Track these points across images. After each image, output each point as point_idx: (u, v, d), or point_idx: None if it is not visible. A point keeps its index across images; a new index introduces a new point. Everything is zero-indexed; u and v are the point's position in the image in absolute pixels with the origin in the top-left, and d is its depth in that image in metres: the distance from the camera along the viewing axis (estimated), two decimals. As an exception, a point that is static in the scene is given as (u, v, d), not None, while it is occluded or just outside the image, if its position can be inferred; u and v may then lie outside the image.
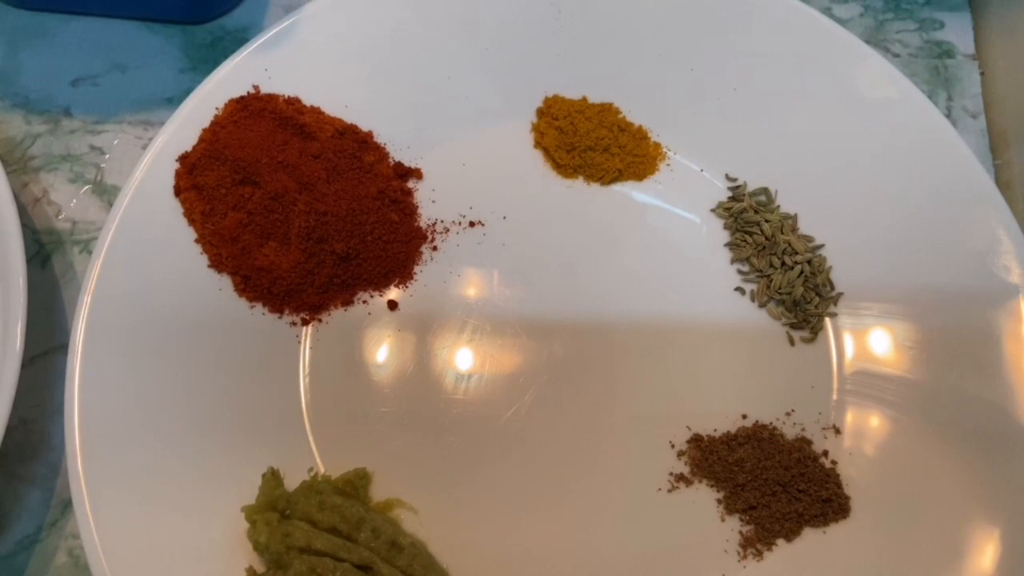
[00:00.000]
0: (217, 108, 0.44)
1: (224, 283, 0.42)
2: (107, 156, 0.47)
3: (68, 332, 0.43)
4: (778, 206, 0.46)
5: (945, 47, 0.52)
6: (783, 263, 0.44)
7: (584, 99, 0.48)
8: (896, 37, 0.52)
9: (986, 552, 0.38)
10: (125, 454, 0.38)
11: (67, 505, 0.41)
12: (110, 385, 0.39)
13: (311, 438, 0.41)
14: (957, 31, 0.53)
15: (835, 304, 0.44)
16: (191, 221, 0.42)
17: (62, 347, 0.43)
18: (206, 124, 0.44)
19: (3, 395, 0.37)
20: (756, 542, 0.39)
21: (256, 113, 0.44)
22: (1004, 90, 0.50)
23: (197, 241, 0.42)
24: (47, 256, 0.45)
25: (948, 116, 0.47)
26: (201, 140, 0.43)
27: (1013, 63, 0.50)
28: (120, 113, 0.48)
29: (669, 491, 0.40)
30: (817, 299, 0.44)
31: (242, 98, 0.44)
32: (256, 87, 0.45)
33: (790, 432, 0.42)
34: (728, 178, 0.47)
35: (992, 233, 0.43)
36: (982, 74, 0.52)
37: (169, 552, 0.37)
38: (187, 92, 0.44)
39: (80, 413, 0.38)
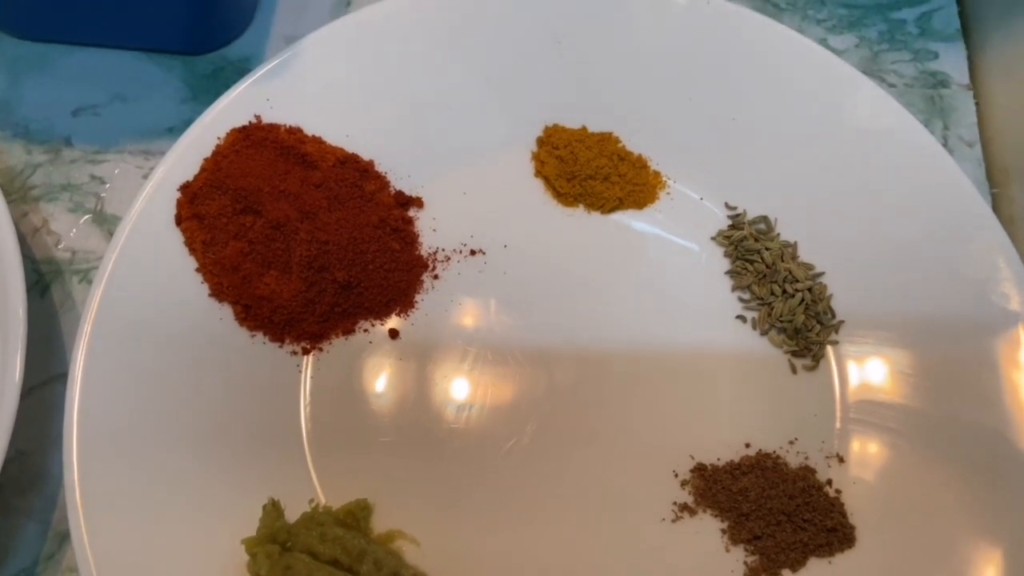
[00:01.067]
0: (219, 138, 0.44)
1: (225, 312, 0.42)
2: (107, 186, 0.47)
3: (66, 362, 0.43)
4: (778, 234, 0.46)
5: (940, 77, 0.53)
6: (784, 291, 0.44)
7: (584, 128, 0.48)
8: (891, 67, 0.53)
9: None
10: (124, 486, 0.37)
11: (64, 538, 0.40)
12: (109, 416, 0.38)
13: (312, 468, 0.40)
14: (951, 61, 0.53)
15: (836, 332, 0.44)
16: (192, 250, 0.42)
17: (60, 377, 0.43)
18: (207, 154, 0.44)
19: (2, 428, 0.37)
20: (761, 572, 0.39)
21: (258, 143, 0.44)
22: (1002, 123, 0.51)
23: (198, 270, 0.42)
24: (46, 286, 0.45)
25: (944, 145, 0.47)
26: (203, 169, 0.43)
27: (1010, 96, 0.51)
28: (121, 143, 0.48)
29: (673, 521, 0.40)
30: (818, 327, 0.44)
31: (244, 128, 0.45)
32: (258, 117, 0.45)
33: (793, 461, 0.41)
34: (728, 206, 0.47)
35: (991, 261, 0.43)
36: (977, 104, 0.52)
37: (168, 586, 0.36)
38: (188, 122, 0.45)
39: (79, 444, 0.37)
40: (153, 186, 0.42)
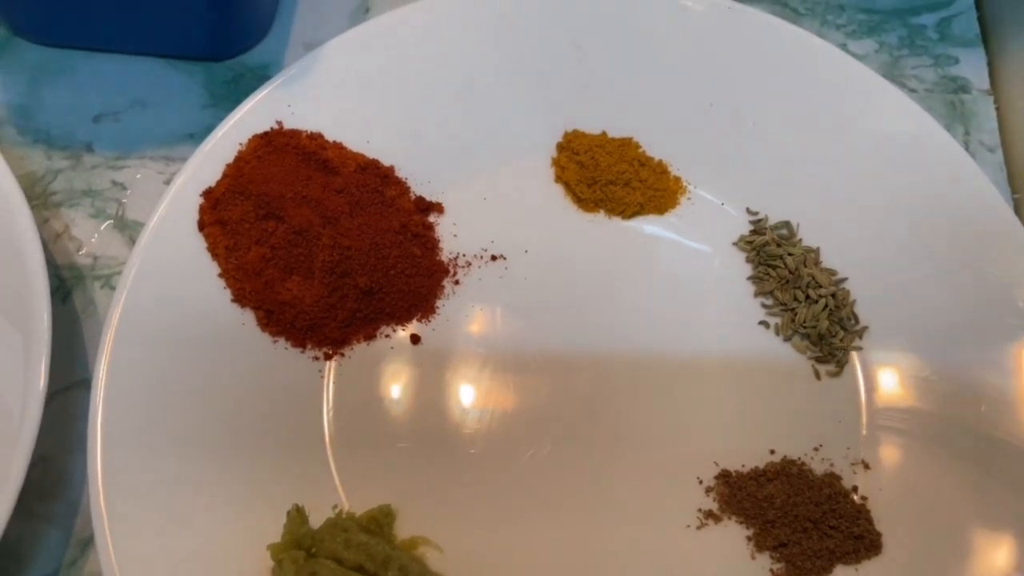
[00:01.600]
0: (240, 144, 0.44)
1: (247, 317, 0.42)
2: (129, 192, 0.47)
3: (88, 368, 0.43)
4: (800, 239, 0.46)
5: (960, 82, 0.53)
6: (807, 296, 0.44)
7: (604, 134, 0.48)
8: (912, 73, 0.53)
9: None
10: (148, 492, 0.37)
11: (87, 544, 0.40)
12: (133, 421, 0.38)
13: (335, 474, 0.40)
14: (972, 66, 0.53)
15: (860, 338, 0.44)
16: (215, 255, 0.42)
17: (82, 382, 0.43)
18: (229, 159, 0.44)
19: (26, 434, 0.37)
20: (788, 580, 0.39)
21: (279, 148, 0.44)
22: (1023, 128, 0.50)
23: (220, 275, 0.42)
24: (68, 291, 0.45)
25: (966, 150, 0.47)
26: (225, 175, 0.43)
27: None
28: (142, 149, 0.48)
29: (698, 528, 0.40)
30: (842, 332, 0.44)
31: (266, 134, 0.45)
32: (279, 123, 0.45)
33: (819, 467, 0.41)
34: (749, 211, 0.47)
35: (1016, 265, 0.43)
36: (997, 109, 0.52)
37: (192, 592, 0.36)
38: (209, 128, 0.45)
39: (103, 450, 0.37)
40: (176, 191, 0.43)
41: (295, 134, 0.45)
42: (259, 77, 0.50)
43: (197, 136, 0.48)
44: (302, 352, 0.42)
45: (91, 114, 0.49)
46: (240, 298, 0.42)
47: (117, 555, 0.36)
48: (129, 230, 0.47)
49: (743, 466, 0.41)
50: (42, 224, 0.46)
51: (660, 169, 0.48)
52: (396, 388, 0.42)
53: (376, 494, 0.40)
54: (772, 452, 0.42)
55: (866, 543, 0.39)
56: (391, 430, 0.42)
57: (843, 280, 0.45)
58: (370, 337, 0.43)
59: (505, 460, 0.41)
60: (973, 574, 0.38)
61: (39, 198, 0.47)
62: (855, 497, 0.40)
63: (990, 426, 0.41)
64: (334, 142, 0.46)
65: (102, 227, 0.47)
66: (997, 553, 0.38)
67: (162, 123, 0.49)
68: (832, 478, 0.41)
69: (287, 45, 0.52)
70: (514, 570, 0.39)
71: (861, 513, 0.40)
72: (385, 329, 0.44)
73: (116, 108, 0.49)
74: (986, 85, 0.53)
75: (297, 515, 0.37)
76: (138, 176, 0.48)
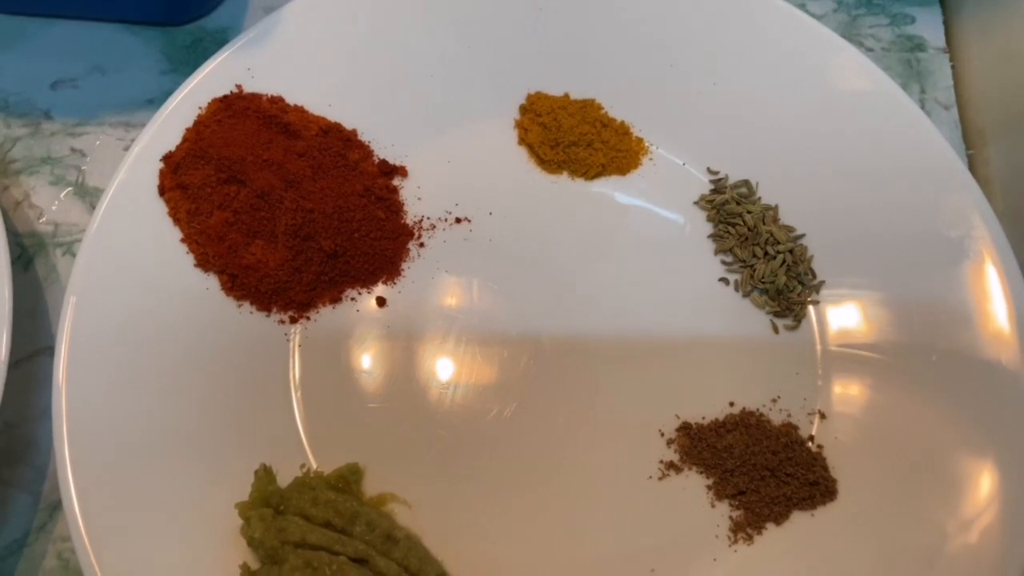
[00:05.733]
0: (200, 108, 0.44)
1: (211, 282, 0.42)
2: (88, 158, 0.47)
3: (52, 335, 0.43)
4: (759, 198, 0.47)
5: (917, 41, 0.53)
6: (766, 253, 0.45)
7: (566, 95, 0.48)
8: (869, 32, 0.53)
9: (975, 526, 0.38)
10: (114, 455, 0.37)
11: (55, 508, 0.40)
12: (97, 387, 0.38)
13: (303, 435, 0.40)
14: (928, 25, 0.54)
15: (817, 292, 0.45)
16: (176, 220, 0.42)
17: (46, 350, 0.43)
18: (189, 124, 0.44)
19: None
20: (746, 526, 0.40)
21: (240, 112, 0.44)
22: (978, 86, 0.51)
23: (183, 240, 0.42)
24: (29, 259, 0.45)
25: (922, 108, 0.48)
26: (185, 139, 0.43)
27: (985, 59, 0.51)
28: (101, 115, 0.48)
29: (660, 479, 0.41)
30: (800, 287, 0.45)
31: (225, 97, 0.44)
32: (239, 87, 0.45)
33: (776, 418, 0.42)
34: (710, 171, 0.48)
35: (967, 219, 0.44)
36: (953, 67, 0.53)
37: (162, 552, 0.36)
38: (167, 94, 0.44)
39: (68, 416, 0.37)
40: (135, 156, 0.42)
41: (255, 98, 0.45)
42: (218, 41, 0.50)
43: (156, 102, 0.48)
44: (267, 316, 0.43)
45: (49, 81, 0.48)
46: (203, 263, 0.42)
47: (85, 519, 0.36)
48: (90, 197, 0.46)
49: (703, 418, 0.42)
50: (1, 192, 0.46)
51: (622, 130, 0.48)
52: (362, 350, 0.43)
53: (343, 454, 0.40)
54: (731, 404, 0.43)
55: (822, 489, 0.40)
56: (358, 391, 0.42)
57: (801, 236, 0.46)
58: (336, 300, 0.44)
59: (471, 418, 0.42)
60: (925, 513, 0.39)
61: (-3, 166, 0.46)
62: (811, 445, 0.41)
63: (942, 376, 0.42)
64: (295, 106, 0.45)
65: (62, 194, 0.46)
66: (948, 491, 0.39)
67: (121, 89, 0.49)
68: (789, 428, 0.42)
69: (246, 8, 0.51)
70: (481, 523, 0.40)
71: (817, 460, 0.41)
72: (351, 292, 0.44)
73: (74, 75, 0.49)
74: (942, 44, 0.54)
75: (264, 474, 0.38)
76: (97, 143, 0.47)
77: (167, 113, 0.43)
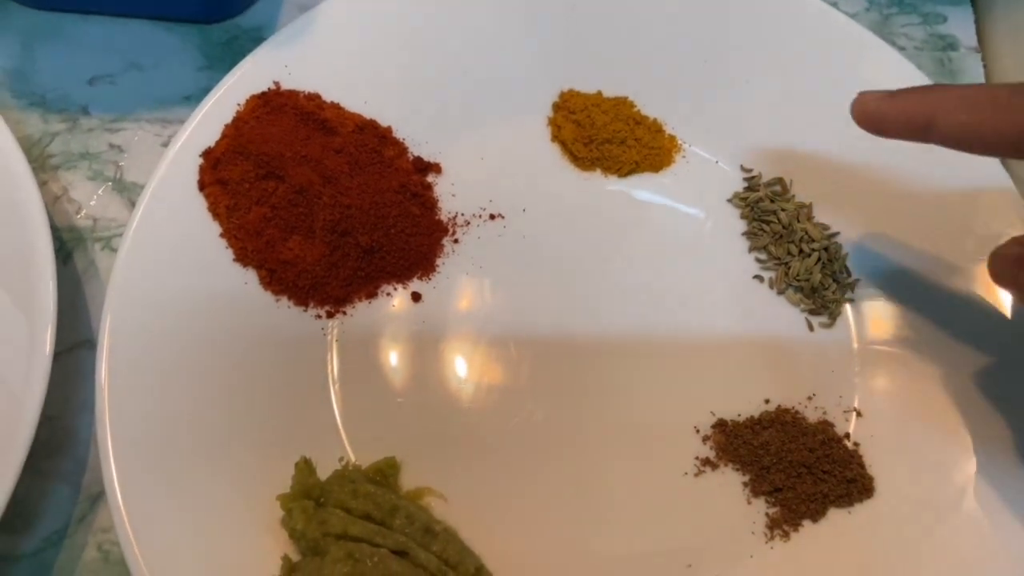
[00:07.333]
0: (239, 104, 0.44)
1: (250, 277, 0.42)
2: (126, 154, 0.48)
3: (92, 328, 0.43)
4: (793, 195, 0.47)
5: (949, 40, 0.53)
6: (800, 251, 0.45)
7: (599, 93, 0.48)
8: (901, 31, 0.53)
9: (1015, 525, 0.38)
10: (156, 448, 0.38)
11: (95, 500, 0.41)
12: (139, 380, 0.39)
13: (341, 429, 0.41)
14: (959, 25, 0.54)
15: (852, 290, 0.45)
16: (216, 215, 0.43)
17: (86, 343, 0.43)
18: (227, 120, 0.44)
19: (33, 398, 0.37)
20: (783, 523, 0.40)
21: (277, 108, 0.44)
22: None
23: (222, 235, 0.42)
24: (68, 253, 0.45)
25: (955, 107, 0.48)
26: (224, 135, 0.44)
27: (1017, 58, 0.51)
28: (138, 111, 0.48)
29: (696, 475, 0.41)
30: (834, 285, 0.44)
31: (263, 94, 0.45)
32: (276, 83, 0.45)
33: (812, 416, 0.42)
34: (743, 168, 0.48)
35: (1003, 217, 0.44)
36: (985, 66, 0.53)
37: (203, 543, 0.37)
38: (204, 90, 0.45)
39: (110, 408, 0.37)
40: (175, 152, 0.43)
41: (293, 94, 0.45)
42: (254, 39, 0.50)
43: (193, 98, 0.48)
44: (304, 311, 0.43)
45: (86, 77, 0.49)
46: (242, 258, 0.42)
47: (128, 509, 0.36)
48: (128, 192, 0.47)
49: (739, 415, 0.42)
50: (40, 187, 0.46)
51: (655, 127, 0.48)
52: (397, 345, 0.43)
53: (381, 448, 0.40)
54: (767, 402, 0.43)
55: (859, 486, 0.40)
56: (393, 386, 0.42)
57: (835, 234, 0.46)
58: (371, 295, 0.44)
59: (507, 414, 0.42)
60: (963, 511, 0.39)
61: (36, 161, 0.47)
62: (847, 443, 0.41)
63: (982, 375, 0.42)
64: (331, 102, 0.46)
65: (100, 190, 0.47)
66: (985, 489, 0.39)
67: (157, 85, 0.49)
68: (825, 425, 0.42)
69: (281, 7, 0.52)
70: (518, 518, 0.40)
71: (853, 458, 0.41)
72: (386, 287, 0.44)
73: (111, 71, 0.49)
74: (974, 43, 0.53)
75: (305, 466, 0.38)
76: (135, 138, 0.48)
77: (206, 109, 0.44)
